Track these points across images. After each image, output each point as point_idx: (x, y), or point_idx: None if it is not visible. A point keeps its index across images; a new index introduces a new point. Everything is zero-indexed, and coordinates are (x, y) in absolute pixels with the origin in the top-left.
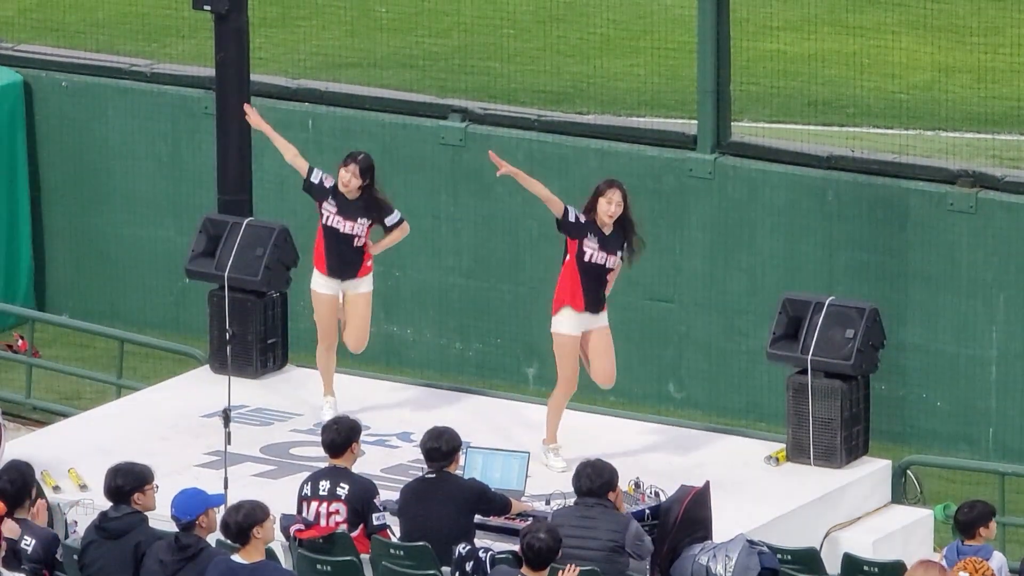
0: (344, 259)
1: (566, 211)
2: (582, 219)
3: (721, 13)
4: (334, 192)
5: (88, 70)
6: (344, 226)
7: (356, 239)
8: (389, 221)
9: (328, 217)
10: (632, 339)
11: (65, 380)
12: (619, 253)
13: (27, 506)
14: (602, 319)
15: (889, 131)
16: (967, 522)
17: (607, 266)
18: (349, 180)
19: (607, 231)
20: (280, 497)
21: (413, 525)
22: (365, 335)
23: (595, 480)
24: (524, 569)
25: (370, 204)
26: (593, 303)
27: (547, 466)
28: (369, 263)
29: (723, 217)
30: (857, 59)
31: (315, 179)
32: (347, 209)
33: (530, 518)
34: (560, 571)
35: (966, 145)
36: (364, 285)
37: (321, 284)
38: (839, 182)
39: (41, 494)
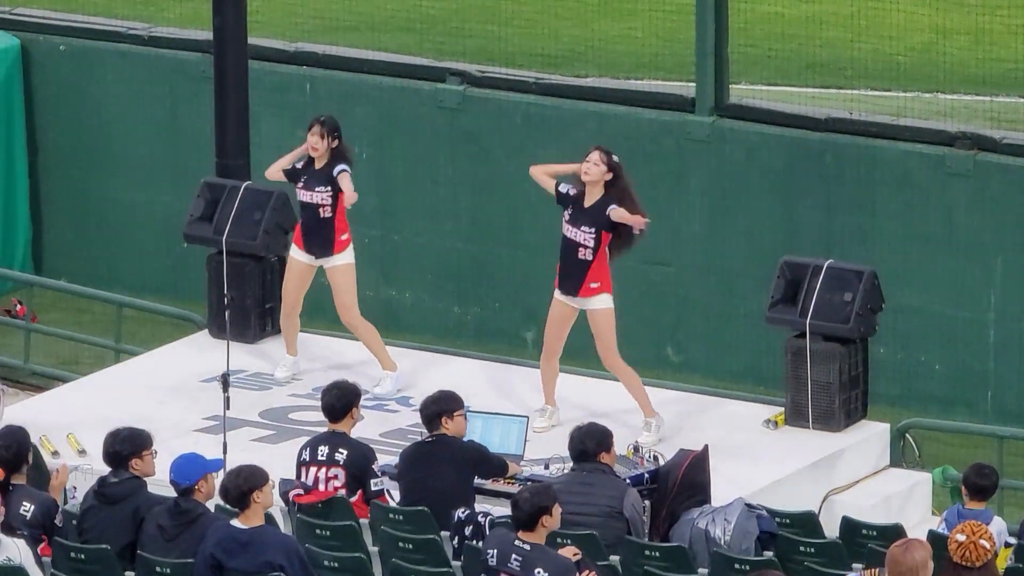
0: (315, 233)
1: (557, 184)
2: (568, 192)
3: None
4: (305, 167)
5: (85, 34)
6: (308, 196)
7: (321, 209)
8: (335, 171)
9: (299, 194)
10: (630, 302)
11: (63, 345)
12: (590, 229)
13: (24, 471)
14: (591, 302)
15: (887, 93)
16: (988, 486)
17: (577, 241)
18: (316, 142)
19: (585, 203)
20: (279, 462)
21: (412, 489)
22: (352, 307)
23: (587, 442)
24: (520, 533)
25: (331, 165)
26: (565, 282)
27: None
28: (343, 237)
29: (721, 180)
30: (855, 21)
31: (289, 168)
32: (311, 179)
33: (528, 481)
34: (561, 547)
35: (964, 107)
36: (340, 258)
37: (295, 252)
38: (837, 144)
39: (39, 458)
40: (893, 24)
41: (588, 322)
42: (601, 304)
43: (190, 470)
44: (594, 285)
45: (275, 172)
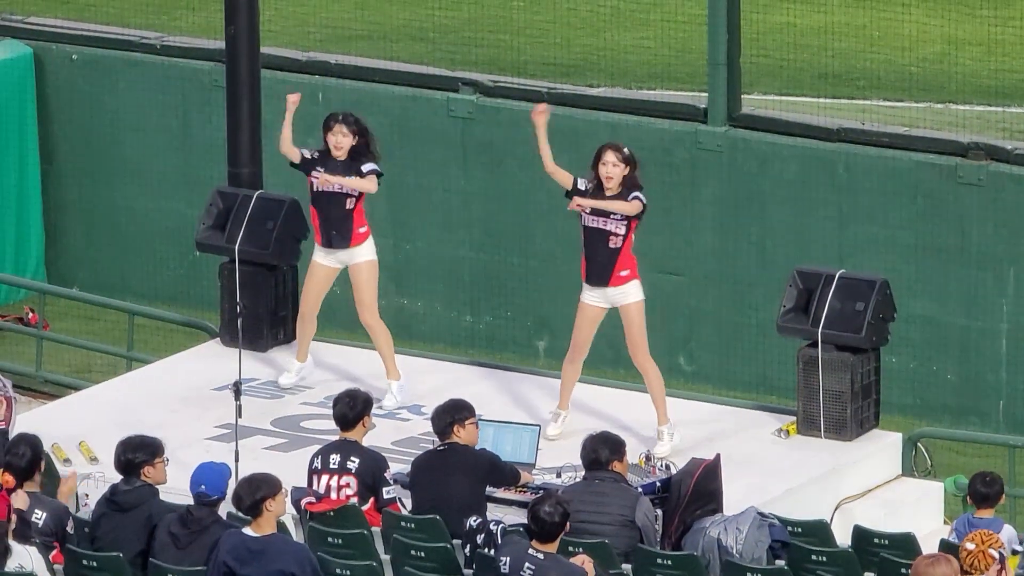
0: (335, 224)
1: (575, 181)
2: (587, 187)
3: None
4: (322, 159)
5: (98, 43)
6: (329, 186)
7: (348, 199)
8: (364, 169)
9: (315, 184)
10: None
11: (75, 353)
12: (620, 217)
13: (37, 479)
14: (622, 295)
15: (899, 104)
16: (991, 493)
17: (607, 230)
18: (339, 140)
19: (607, 193)
20: (291, 470)
21: (424, 497)
22: (372, 305)
23: (599, 450)
24: (534, 542)
25: (355, 159)
26: (594, 275)
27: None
28: (362, 230)
29: (733, 190)
30: (867, 31)
31: (307, 154)
32: (332, 171)
33: (540, 490)
34: (573, 555)
35: (976, 118)
36: (362, 255)
37: (318, 255)
38: (849, 155)
39: (51, 466)
40: (905, 35)
41: (620, 318)
42: (633, 296)
43: (221, 481)
44: (624, 273)
45: (287, 146)
